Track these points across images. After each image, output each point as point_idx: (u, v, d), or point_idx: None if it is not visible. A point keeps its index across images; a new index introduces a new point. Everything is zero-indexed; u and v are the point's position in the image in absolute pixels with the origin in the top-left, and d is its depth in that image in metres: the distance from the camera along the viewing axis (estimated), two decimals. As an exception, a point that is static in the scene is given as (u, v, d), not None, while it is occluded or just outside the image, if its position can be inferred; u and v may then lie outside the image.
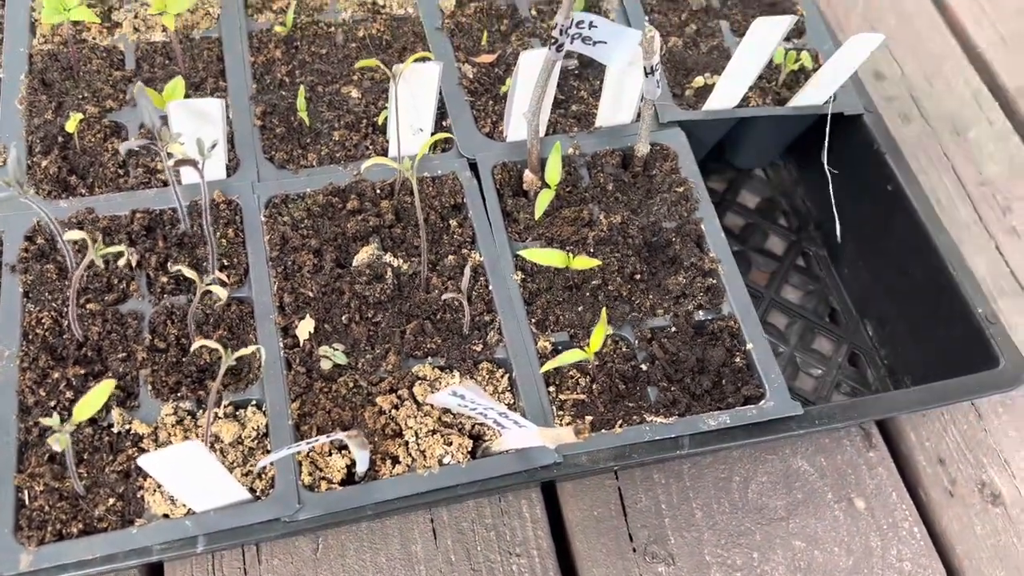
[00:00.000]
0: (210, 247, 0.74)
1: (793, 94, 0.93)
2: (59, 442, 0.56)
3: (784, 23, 0.82)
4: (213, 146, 0.67)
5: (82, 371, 0.70)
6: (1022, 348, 0.94)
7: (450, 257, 0.80)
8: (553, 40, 0.75)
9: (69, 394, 0.69)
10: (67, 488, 0.65)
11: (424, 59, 0.77)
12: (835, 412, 0.76)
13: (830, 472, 0.86)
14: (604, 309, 0.72)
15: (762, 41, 0.83)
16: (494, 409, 0.65)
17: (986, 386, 0.79)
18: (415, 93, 0.80)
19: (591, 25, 0.75)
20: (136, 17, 0.92)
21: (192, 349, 0.69)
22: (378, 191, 0.83)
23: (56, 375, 0.69)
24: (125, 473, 0.67)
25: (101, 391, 0.59)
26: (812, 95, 0.91)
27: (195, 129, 0.74)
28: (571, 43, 0.76)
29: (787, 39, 0.99)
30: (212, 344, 0.62)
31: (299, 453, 0.68)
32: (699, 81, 0.94)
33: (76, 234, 0.65)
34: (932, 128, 1.13)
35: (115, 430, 0.68)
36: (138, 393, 0.70)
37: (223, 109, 0.74)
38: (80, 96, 0.85)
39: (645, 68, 0.78)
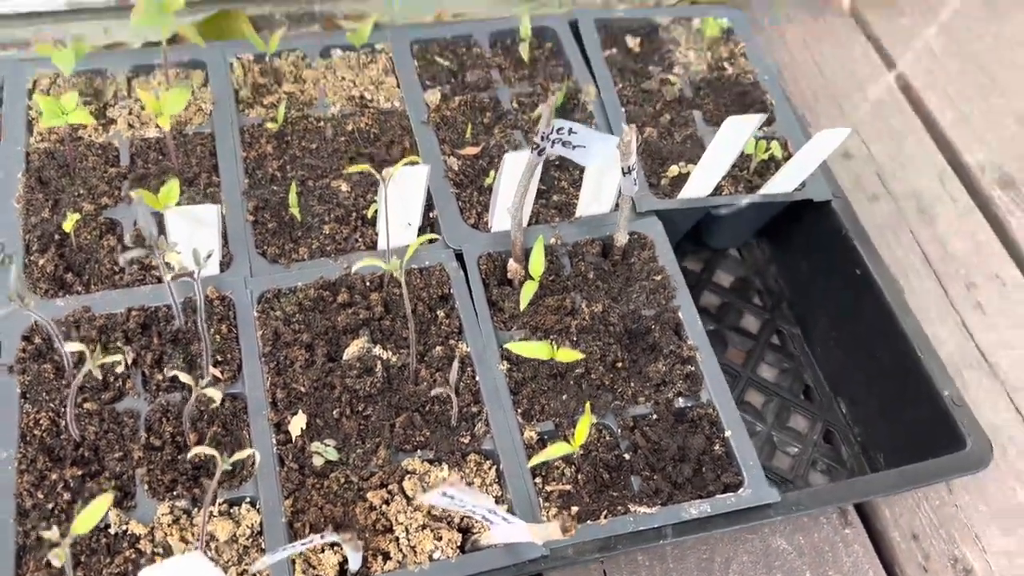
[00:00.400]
0: (204, 344, 0.77)
1: (764, 181, 0.97)
2: (58, 557, 0.57)
3: (754, 121, 0.86)
4: (208, 256, 0.70)
5: (79, 472, 0.72)
6: (990, 423, 0.98)
7: (438, 348, 0.82)
8: (535, 145, 0.79)
9: (67, 495, 0.70)
10: (65, 592, 0.66)
11: (413, 162, 0.80)
12: (810, 498, 0.79)
13: (808, 550, 0.89)
14: (588, 402, 0.75)
15: (734, 136, 0.88)
16: (483, 505, 0.67)
17: (955, 468, 0.82)
18: (404, 192, 0.83)
19: (570, 131, 0.78)
20: (130, 113, 0.95)
21: (189, 456, 0.71)
22: (367, 284, 0.85)
23: (54, 476, 0.71)
24: (123, 575, 0.68)
25: (100, 505, 0.60)
26: (782, 183, 0.96)
27: (191, 232, 0.76)
28: (552, 147, 0.80)
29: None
30: (208, 451, 0.64)
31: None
32: (674, 170, 0.98)
33: (75, 346, 0.67)
34: (899, 206, 1.17)
35: (112, 531, 0.70)
36: (135, 493, 0.72)
37: (219, 214, 0.77)
38: (76, 193, 0.88)
39: (623, 168, 0.82)
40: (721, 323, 1.04)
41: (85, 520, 0.59)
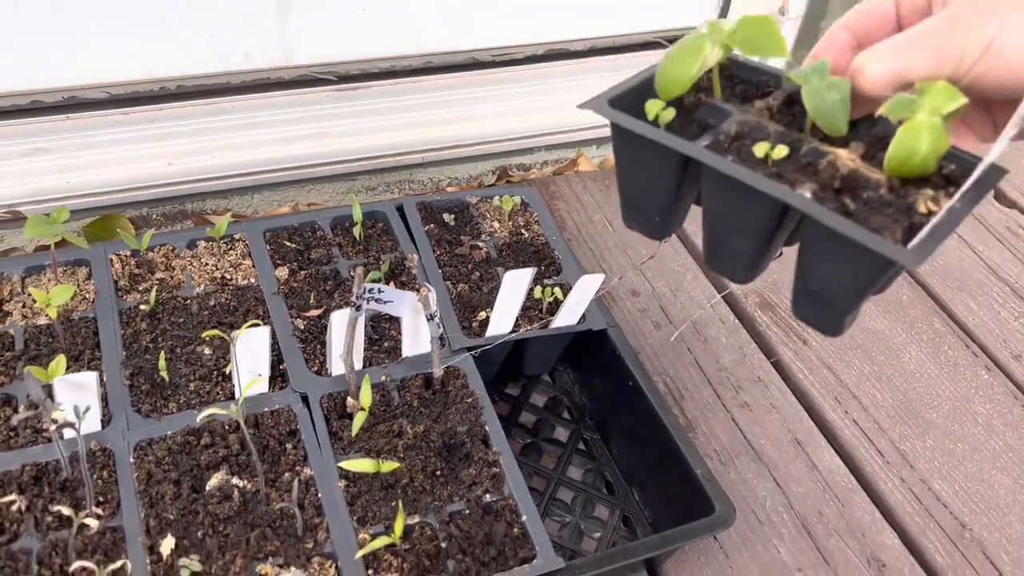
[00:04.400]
0: (87, 488, 0.93)
1: (554, 318, 1.22)
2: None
3: (527, 274, 1.12)
4: (87, 410, 0.88)
5: (-22, 602, 0.86)
6: (755, 495, 1.21)
7: (286, 474, 1.01)
8: (352, 303, 1.02)
9: (-33, 623, 0.84)
10: None
11: (255, 324, 1.02)
12: (591, 562, 0.99)
13: (612, 616, 1.07)
14: (400, 502, 0.94)
15: (515, 285, 1.13)
16: (319, 590, 0.85)
17: (706, 528, 1.04)
18: (252, 348, 1.04)
19: (379, 291, 1.02)
20: (24, 306, 1.14)
21: (71, 570, 0.86)
22: (226, 427, 1.04)
23: (-44, 608, 0.85)
24: None
25: None
26: (566, 318, 1.21)
27: (76, 395, 0.95)
28: (368, 304, 1.03)
29: (548, 276, 1.30)
30: (89, 564, 0.80)
31: (163, 647, 0.85)
32: (482, 315, 1.22)
33: (-23, 490, 0.83)
34: (677, 330, 1.45)
35: (7, 648, 0.84)
36: (27, 615, 0.86)
37: (97, 380, 0.96)
38: (-24, 375, 1.05)
39: (427, 316, 1.06)
40: (537, 436, 1.26)
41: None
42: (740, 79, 0.84)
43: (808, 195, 0.74)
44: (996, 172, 0.74)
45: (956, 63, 0.64)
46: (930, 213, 0.73)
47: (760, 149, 0.77)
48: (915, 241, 0.70)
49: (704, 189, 0.80)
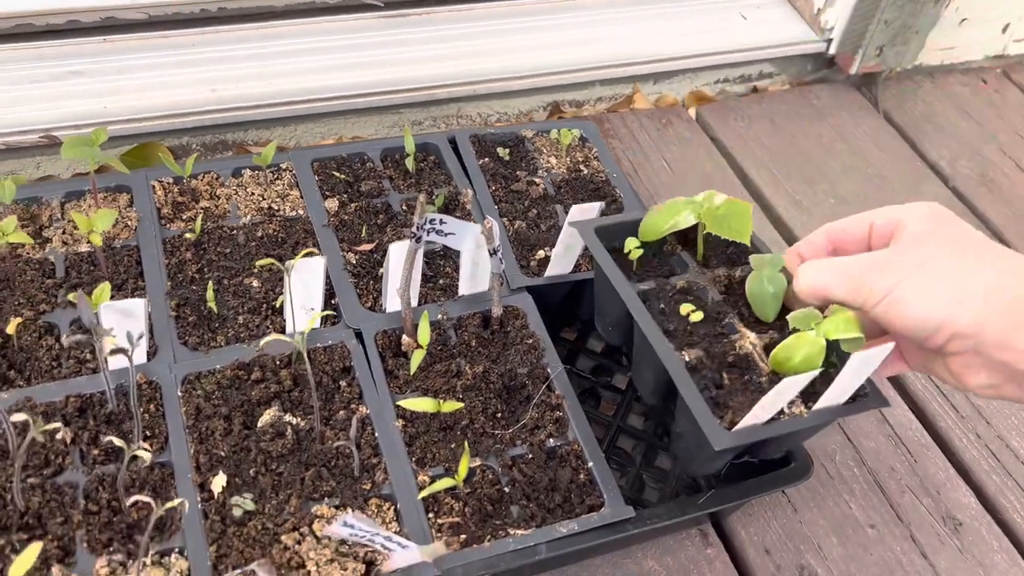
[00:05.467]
0: (136, 421, 0.89)
1: (617, 259, 1.16)
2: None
3: (594, 208, 1.05)
4: (140, 337, 0.83)
5: (25, 536, 0.82)
6: (824, 449, 1.15)
7: (341, 412, 0.96)
8: (413, 234, 0.96)
9: (14, 557, 0.80)
10: (13, 639, 0.76)
11: (311, 254, 0.96)
12: (660, 512, 0.93)
13: (675, 569, 1.03)
14: (467, 443, 0.89)
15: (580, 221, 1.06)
16: (380, 534, 0.80)
17: (780, 481, 0.99)
18: (305, 280, 0.98)
19: (441, 222, 0.96)
20: (64, 233, 1.09)
21: (126, 505, 0.82)
22: (278, 363, 0.99)
23: (2, 541, 0.81)
24: (65, 620, 0.78)
25: (30, 553, 0.71)
26: (630, 259, 1.14)
27: (122, 324, 0.90)
28: (428, 235, 0.97)
29: (608, 215, 1.23)
30: (144, 498, 0.76)
31: (217, 588, 0.80)
32: (540, 254, 1.16)
33: (19, 416, 0.78)
34: (741, 276, 1.37)
35: (55, 585, 0.80)
36: (75, 551, 0.82)
37: (145, 307, 0.91)
38: (17, 303, 1.00)
39: (489, 250, 0.99)
40: (595, 382, 1.20)
41: (18, 567, 0.69)
42: (737, 243, 0.96)
43: (687, 358, 0.88)
44: (841, 410, 0.87)
45: (864, 299, 0.77)
46: (780, 414, 0.85)
47: (683, 308, 0.93)
48: (737, 426, 0.82)
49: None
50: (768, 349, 0.90)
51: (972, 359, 0.76)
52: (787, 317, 0.87)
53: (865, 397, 0.88)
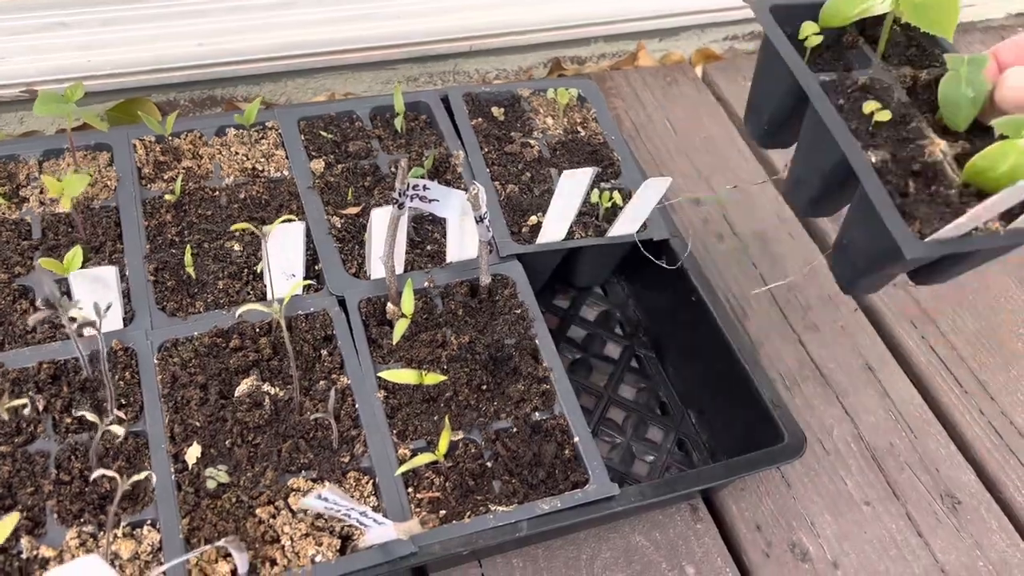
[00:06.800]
0: (108, 390, 0.87)
1: (612, 225, 1.12)
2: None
3: (587, 174, 1.01)
4: (108, 308, 0.80)
5: (-6, 506, 0.80)
6: (821, 423, 1.12)
7: (321, 382, 0.94)
8: (394, 200, 0.92)
9: (-18, 527, 0.79)
10: (-20, 611, 0.75)
11: (289, 219, 0.93)
12: (647, 490, 0.91)
13: (664, 544, 1.01)
14: (447, 416, 0.87)
15: (573, 187, 1.02)
16: (355, 509, 0.78)
17: (773, 459, 0.96)
18: (284, 246, 0.95)
19: (424, 187, 0.92)
20: (41, 192, 1.06)
21: (92, 478, 0.80)
22: (257, 330, 0.96)
23: (-30, 512, 0.79)
24: (33, 593, 0.76)
25: (6, 524, 0.69)
26: (625, 226, 1.10)
27: (93, 292, 0.87)
28: (411, 202, 0.93)
29: (605, 180, 1.18)
30: (110, 472, 0.73)
31: (188, 562, 0.79)
32: (533, 220, 1.12)
33: (-12, 387, 0.76)
34: (742, 243, 1.33)
35: (24, 556, 0.78)
36: (45, 522, 0.81)
37: (116, 274, 0.88)
38: (-9, 265, 0.98)
39: (475, 217, 0.96)
40: (587, 352, 1.17)
41: (-6, 536, 0.67)
42: (920, 43, 0.89)
43: (874, 160, 0.79)
44: None
45: None
46: (975, 230, 0.76)
47: (868, 107, 0.82)
48: (930, 237, 0.75)
49: (805, 116, 0.86)
50: (959, 160, 0.80)
51: None
52: (992, 123, 0.77)
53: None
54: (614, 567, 0.98)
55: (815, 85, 0.83)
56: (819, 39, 0.86)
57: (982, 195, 0.77)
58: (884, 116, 0.82)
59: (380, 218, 0.95)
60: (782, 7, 0.88)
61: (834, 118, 0.81)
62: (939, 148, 0.82)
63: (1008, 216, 0.77)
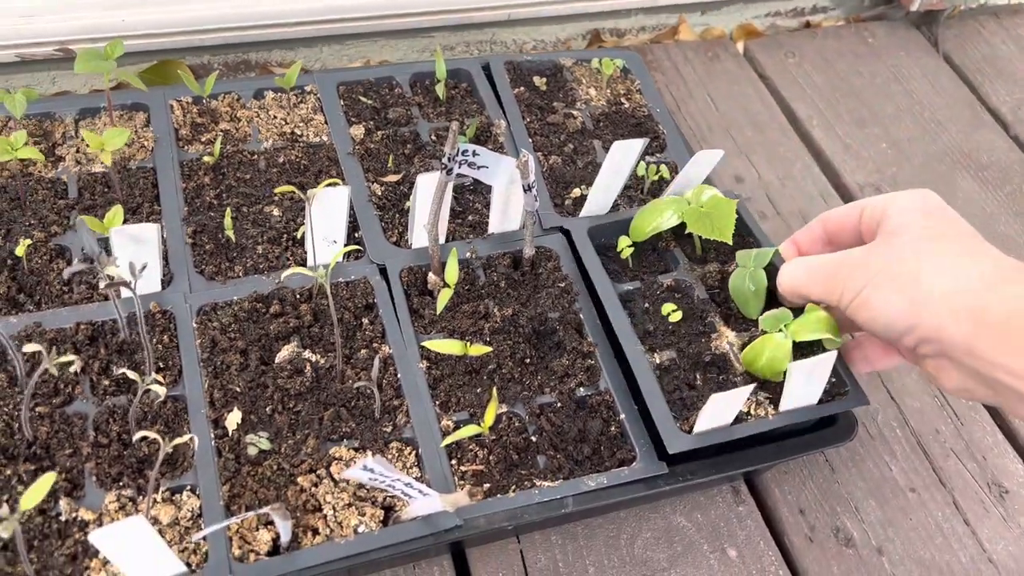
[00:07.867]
0: (146, 352, 0.85)
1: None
2: (6, 529, 0.64)
3: (637, 145, 0.98)
4: (143, 268, 0.78)
5: (32, 467, 0.79)
6: (866, 409, 1.10)
7: (363, 351, 0.91)
8: (443, 166, 0.89)
9: (20, 488, 0.77)
10: (19, 572, 0.73)
11: (334, 183, 0.90)
12: (696, 469, 0.88)
13: (705, 526, 0.98)
14: (494, 389, 0.85)
15: (621, 158, 0.99)
16: (400, 480, 0.76)
17: (823, 442, 0.93)
18: (328, 211, 0.93)
19: (474, 153, 0.89)
20: (77, 151, 1.03)
21: (134, 439, 0.78)
22: (298, 296, 0.94)
23: (8, 472, 0.78)
24: (73, 556, 0.75)
25: (44, 483, 0.67)
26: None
27: (134, 251, 0.85)
28: (459, 168, 0.91)
29: (651, 154, 1.16)
30: (152, 434, 0.72)
31: (229, 528, 0.77)
32: (576, 192, 1.09)
33: (32, 347, 0.74)
34: (785, 222, 1.30)
35: (63, 518, 0.77)
36: (84, 484, 0.79)
37: (158, 232, 0.86)
38: (27, 223, 0.96)
39: (523, 186, 0.93)
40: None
41: (31, 496, 0.65)
42: (736, 237, 0.97)
43: (656, 360, 0.92)
44: (813, 411, 0.90)
45: (838, 299, 0.79)
46: (747, 414, 0.89)
47: (665, 308, 0.96)
48: (695, 427, 0.86)
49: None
50: (746, 348, 0.92)
51: (943, 362, 0.75)
52: (758, 318, 0.90)
53: (844, 396, 0.91)
54: (655, 547, 0.96)
55: (611, 295, 0.96)
56: (631, 250, 1.01)
57: (763, 381, 0.91)
58: (676, 317, 0.95)
59: (427, 184, 0.93)
60: (601, 226, 1.03)
61: (623, 324, 0.93)
62: (727, 339, 0.94)
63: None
